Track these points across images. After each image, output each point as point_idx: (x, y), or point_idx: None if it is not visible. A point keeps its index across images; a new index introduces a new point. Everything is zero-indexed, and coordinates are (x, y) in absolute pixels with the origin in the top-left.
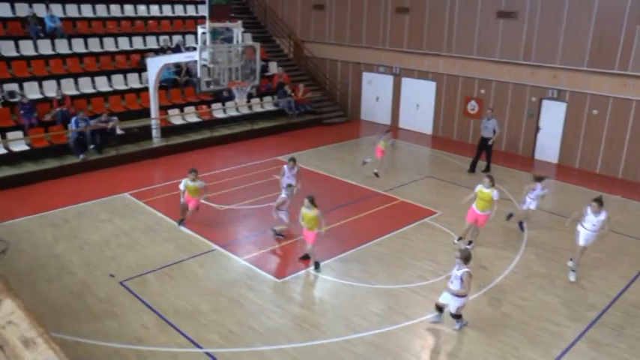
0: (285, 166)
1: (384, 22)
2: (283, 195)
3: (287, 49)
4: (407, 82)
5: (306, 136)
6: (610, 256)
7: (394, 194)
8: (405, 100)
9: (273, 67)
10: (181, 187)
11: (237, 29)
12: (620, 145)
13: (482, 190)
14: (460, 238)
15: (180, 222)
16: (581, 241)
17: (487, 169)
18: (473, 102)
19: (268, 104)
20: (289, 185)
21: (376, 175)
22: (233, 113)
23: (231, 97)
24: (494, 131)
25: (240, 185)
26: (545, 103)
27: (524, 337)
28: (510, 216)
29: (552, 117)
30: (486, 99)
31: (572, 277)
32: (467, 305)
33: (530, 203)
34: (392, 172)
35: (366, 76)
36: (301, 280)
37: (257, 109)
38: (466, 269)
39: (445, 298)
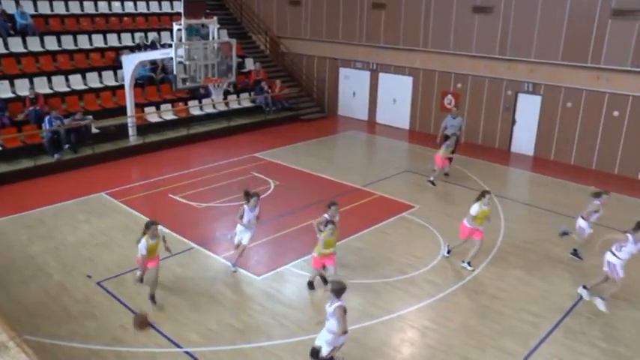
0: (245, 205)
1: (360, 18)
2: (245, 239)
3: (263, 46)
4: (384, 78)
5: (284, 133)
6: (584, 246)
7: (372, 189)
8: (381, 96)
9: (250, 64)
10: (142, 250)
11: (212, 25)
12: (593, 137)
13: (484, 208)
14: (449, 251)
15: (152, 298)
16: (622, 273)
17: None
18: (449, 96)
19: (245, 101)
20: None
21: (432, 183)
22: (210, 110)
23: (207, 94)
24: (460, 128)
25: (218, 183)
26: (520, 96)
27: (503, 328)
28: (564, 234)
29: (528, 110)
30: (463, 93)
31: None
32: (447, 298)
33: (588, 227)
34: (369, 167)
35: (343, 72)
36: (280, 277)
37: (234, 105)
38: (338, 303)
39: (320, 339)
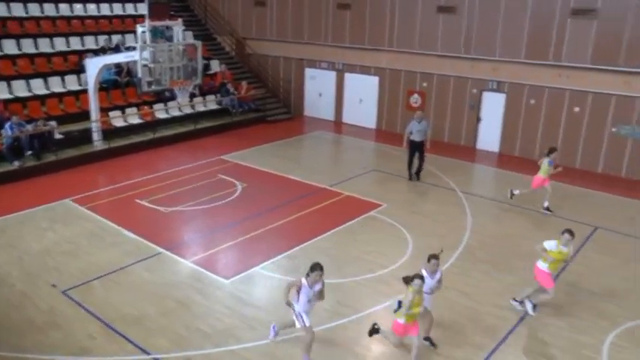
0: (303, 279)
1: (325, 18)
2: (306, 319)
3: (229, 47)
4: (350, 78)
5: (250, 134)
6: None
7: (339, 189)
8: (348, 95)
9: (216, 66)
10: None
11: (177, 27)
12: (555, 133)
13: (562, 250)
14: (521, 302)
15: None
16: None
17: (418, 173)
18: (416, 95)
19: (211, 103)
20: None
21: (548, 209)
22: (176, 113)
23: (173, 97)
24: (425, 132)
25: (185, 186)
26: (485, 94)
27: (471, 322)
28: None
29: (493, 108)
30: (429, 92)
31: None
32: None
33: None
34: (337, 166)
35: (309, 72)
36: (249, 279)
37: (200, 108)
38: None
39: None
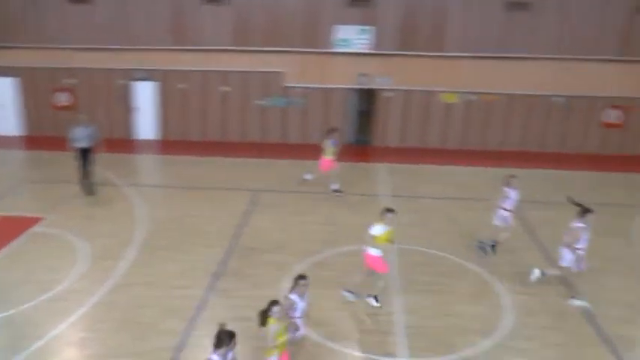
0: (213, 356)
1: None
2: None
3: None
4: None
5: None
6: (265, 212)
7: None
8: None
9: None
10: None
11: None
12: (210, 112)
13: (389, 229)
14: (354, 293)
15: None
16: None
17: (91, 183)
18: (63, 93)
19: None
20: None
21: (338, 191)
22: None
23: None
24: (94, 138)
25: None
26: (136, 84)
27: (160, 311)
28: (485, 247)
29: (145, 96)
30: (77, 88)
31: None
32: (100, 301)
33: (506, 217)
34: None
35: None
36: None
37: None
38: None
39: None
